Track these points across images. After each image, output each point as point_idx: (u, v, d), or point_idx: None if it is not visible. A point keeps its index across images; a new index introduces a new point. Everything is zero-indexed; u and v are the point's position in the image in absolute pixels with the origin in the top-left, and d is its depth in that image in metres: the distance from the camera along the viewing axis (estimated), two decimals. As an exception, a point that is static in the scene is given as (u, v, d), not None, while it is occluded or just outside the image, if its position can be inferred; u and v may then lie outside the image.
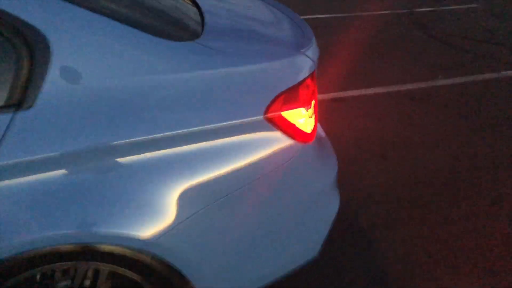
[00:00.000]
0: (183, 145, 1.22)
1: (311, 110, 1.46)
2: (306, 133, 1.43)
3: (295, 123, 1.39)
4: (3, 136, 1.09)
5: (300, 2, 7.30)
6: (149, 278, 1.33)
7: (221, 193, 1.28)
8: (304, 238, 1.59)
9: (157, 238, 1.22)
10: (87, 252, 1.21)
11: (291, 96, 1.36)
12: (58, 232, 1.14)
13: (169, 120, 1.20)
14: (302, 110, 1.40)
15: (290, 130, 1.38)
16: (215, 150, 1.26)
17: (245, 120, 1.29)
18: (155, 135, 1.18)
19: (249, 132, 1.31)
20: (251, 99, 1.31)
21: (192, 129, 1.22)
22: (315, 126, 1.53)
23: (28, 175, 1.11)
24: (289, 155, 1.40)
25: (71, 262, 1.23)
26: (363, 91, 4.09)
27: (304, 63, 1.45)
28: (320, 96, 3.83)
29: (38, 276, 1.27)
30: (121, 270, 1.30)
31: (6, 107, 1.11)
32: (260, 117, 1.31)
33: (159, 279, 1.33)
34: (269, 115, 1.33)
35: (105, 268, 1.28)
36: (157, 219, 1.21)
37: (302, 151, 1.43)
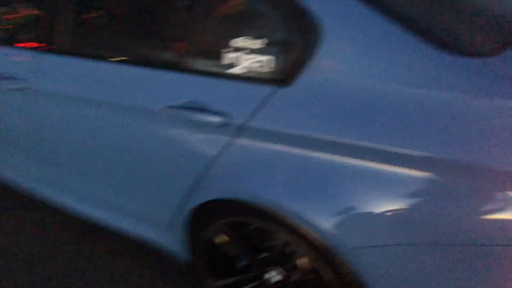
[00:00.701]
0: (411, 169, 1.04)
1: None
2: None
3: None
4: (260, 104, 1.20)
5: None
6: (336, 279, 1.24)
7: (440, 238, 1.05)
8: None
9: (358, 249, 1.14)
10: (292, 229, 1.23)
11: None
12: (284, 200, 1.19)
13: (412, 138, 1.03)
14: None
15: None
16: (444, 188, 1.03)
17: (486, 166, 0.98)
18: (391, 148, 1.04)
19: (483, 184, 0.99)
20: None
21: (432, 156, 1.01)
22: None
23: (276, 143, 1.19)
24: None
25: (279, 228, 1.27)
26: None
27: None
28: None
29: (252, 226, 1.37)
30: (315, 264, 1.27)
31: (270, 80, 1.19)
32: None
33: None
34: None
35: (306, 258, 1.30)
36: (364, 231, 1.12)
37: None
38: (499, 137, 0.98)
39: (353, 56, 1.12)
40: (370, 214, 1.11)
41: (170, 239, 1.65)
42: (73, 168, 1.78)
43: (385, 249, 1.12)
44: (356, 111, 1.10)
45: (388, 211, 1.09)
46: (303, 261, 1.32)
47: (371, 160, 1.08)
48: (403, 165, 1.05)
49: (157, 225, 1.65)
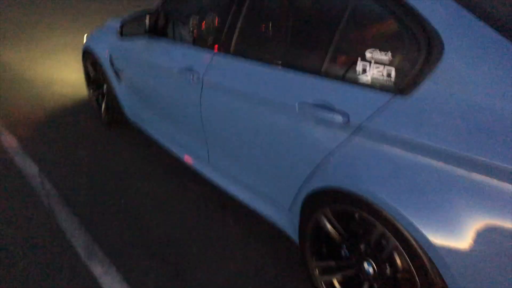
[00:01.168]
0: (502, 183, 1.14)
1: None
2: None
3: None
4: (379, 109, 1.38)
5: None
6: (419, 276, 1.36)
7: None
8: None
9: (445, 250, 1.24)
10: (388, 223, 1.37)
11: None
12: (384, 195, 1.36)
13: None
14: None
15: None
16: None
17: None
18: (500, 164, 1.13)
19: None
20: None
21: None
22: None
23: (386, 145, 1.37)
24: None
25: (375, 220, 1.43)
26: None
27: None
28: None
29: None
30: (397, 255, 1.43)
31: (391, 89, 1.38)
32: None
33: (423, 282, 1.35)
34: None
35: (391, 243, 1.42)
36: (454, 237, 1.22)
37: None
38: None
39: (471, 72, 1.22)
40: (465, 225, 1.19)
41: (288, 221, 1.91)
42: (222, 148, 2.17)
43: (472, 254, 1.18)
44: (469, 126, 1.19)
45: (484, 223, 1.16)
46: (397, 259, 1.44)
47: (476, 172, 1.17)
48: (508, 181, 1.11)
49: (280, 208, 1.93)
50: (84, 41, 3.58)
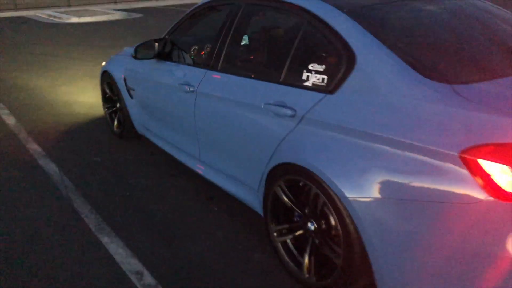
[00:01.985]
0: (396, 150, 1.65)
1: None
2: (501, 188, 1.41)
3: (491, 175, 1.42)
4: (315, 104, 1.95)
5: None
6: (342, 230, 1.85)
7: (403, 195, 1.62)
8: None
9: (357, 204, 1.74)
10: (320, 185, 1.89)
11: (498, 150, 1.43)
12: (319, 166, 1.88)
13: (401, 129, 1.64)
14: (507, 168, 1.41)
15: (482, 178, 1.43)
16: (414, 162, 1.60)
17: (440, 149, 1.52)
18: (388, 136, 1.66)
19: (439, 160, 1.52)
20: (455, 137, 1.51)
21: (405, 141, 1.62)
22: None
23: (321, 129, 1.92)
24: (469, 199, 1.45)
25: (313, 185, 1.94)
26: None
27: None
28: None
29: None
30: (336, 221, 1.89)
31: (315, 89, 1.99)
32: (455, 153, 1.48)
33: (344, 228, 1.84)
34: (465, 155, 1.46)
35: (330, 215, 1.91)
36: (364, 193, 1.72)
37: (486, 204, 1.43)
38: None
39: (374, 76, 1.78)
40: (370, 177, 1.71)
41: (256, 200, 2.43)
42: (209, 143, 2.73)
43: (377, 202, 1.69)
44: (372, 110, 1.75)
45: (384, 180, 1.68)
46: (329, 217, 1.94)
47: (378, 143, 1.69)
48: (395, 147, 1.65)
49: (252, 191, 2.45)
50: (102, 65, 4.23)
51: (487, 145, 1.44)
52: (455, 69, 1.82)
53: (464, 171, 1.46)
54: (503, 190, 1.41)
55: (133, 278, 2.25)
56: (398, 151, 1.63)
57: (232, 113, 2.42)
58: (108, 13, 16.00)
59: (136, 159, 3.72)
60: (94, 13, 16.07)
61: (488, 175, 1.42)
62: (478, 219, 1.47)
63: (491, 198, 1.42)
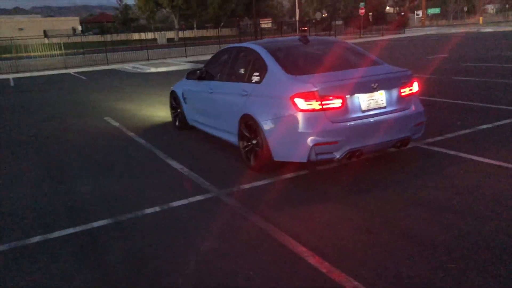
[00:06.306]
0: (275, 100, 4.55)
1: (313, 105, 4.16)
2: (300, 108, 4.07)
3: (297, 104, 4.10)
4: (253, 89, 4.79)
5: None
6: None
7: (275, 115, 4.45)
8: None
9: (267, 127, 4.50)
10: (256, 123, 4.58)
11: (301, 95, 4.15)
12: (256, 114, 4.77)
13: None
14: (303, 101, 4.14)
15: (295, 105, 4.09)
16: (279, 102, 4.52)
17: (285, 96, 4.25)
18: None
19: (285, 100, 4.23)
20: (286, 91, 4.29)
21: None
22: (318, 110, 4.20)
23: (257, 98, 4.72)
24: (292, 112, 4.10)
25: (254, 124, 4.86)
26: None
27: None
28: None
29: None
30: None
31: (255, 82, 4.85)
32: (288, 96, 4.22)
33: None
34: (291, 97, 4.17)
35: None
36: (266, 119, 4.80)
37: (296, 114, 4.09)
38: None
39: (275, 78, 4.51)
40: (268, 112, 4.38)
41: (235, 137, 5.12)
42: (216, 116, 5.55)
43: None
44: (271, 88, 4.46)
45: (271, 111, 4.37)
46: (258, 135, 4.57)
47: (271, 99, 4.41)
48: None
49: (233, 134, 5.16)
50: (171, 88, 7.22)
51: (298, 93, 4.09)
52: (301, 69, 4.50)
53: (290, 103, 4.12)
54: (301, 108, 4.07)
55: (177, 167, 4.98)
56: (276, 100, 4.28)
57: (226, 98, 5.19)
58: (179, 64, 19.91)
59: (189, 139, 6.54)
60: (168, 65, 20.05)
61: (296, 104, 4.08)
62: (294, 117, 4.13)
63: (299, 112, 4.06)
